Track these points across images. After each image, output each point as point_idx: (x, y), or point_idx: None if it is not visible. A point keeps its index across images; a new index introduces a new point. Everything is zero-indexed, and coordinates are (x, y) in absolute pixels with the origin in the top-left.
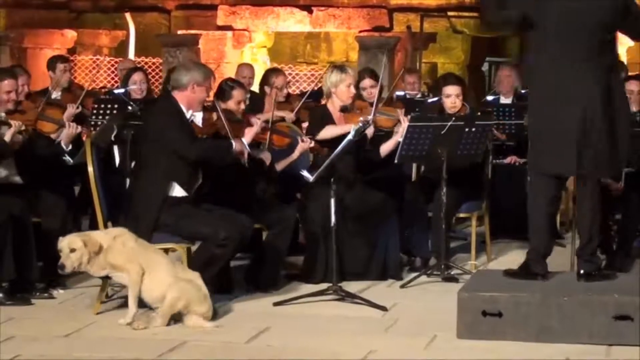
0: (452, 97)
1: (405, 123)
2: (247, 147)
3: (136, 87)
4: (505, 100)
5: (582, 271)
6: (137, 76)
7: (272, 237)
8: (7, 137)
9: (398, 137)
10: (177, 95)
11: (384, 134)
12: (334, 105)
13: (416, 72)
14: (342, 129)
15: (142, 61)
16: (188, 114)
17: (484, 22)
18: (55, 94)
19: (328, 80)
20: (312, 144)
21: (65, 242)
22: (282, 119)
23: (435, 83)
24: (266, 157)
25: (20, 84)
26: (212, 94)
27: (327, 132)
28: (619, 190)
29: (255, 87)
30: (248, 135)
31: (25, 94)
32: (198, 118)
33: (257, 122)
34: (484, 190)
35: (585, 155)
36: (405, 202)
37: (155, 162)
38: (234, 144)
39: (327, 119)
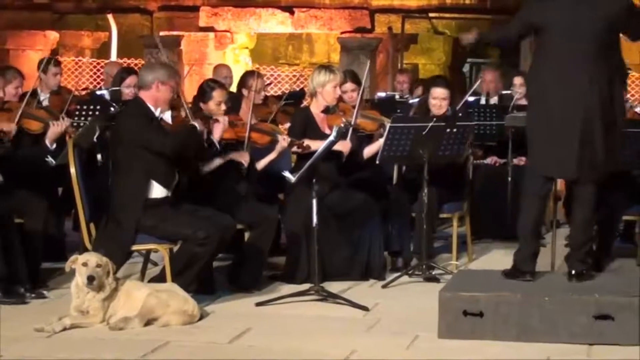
0: (438, 100)
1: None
2: (218, 144)
3: (130, 90)
4: (491, 101)
5: (573, 271)
6: (130, 79)
7: (254, 237)
8: None
9: (382, 140)
10: (144, 95)
11: (365, 136)
12: (317, 106)
13: (407, 72)
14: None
15: (124, 62)
16: (157, 112)
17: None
18: (43, 96)
19: (315, 80)
20: (295, 141)
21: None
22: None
23: (421, 83)
24: (244, 158)
25: (14, 87)
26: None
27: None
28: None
29: (233, 88)
30: (216, 131)
31: (19, 96)
32: (167, 116)
33: (223, 118)
34: (465, 191)
35: (584, 159)
36: (389, 202)
37: (131, 165)
38: (196, 124)
39: (309, 122)
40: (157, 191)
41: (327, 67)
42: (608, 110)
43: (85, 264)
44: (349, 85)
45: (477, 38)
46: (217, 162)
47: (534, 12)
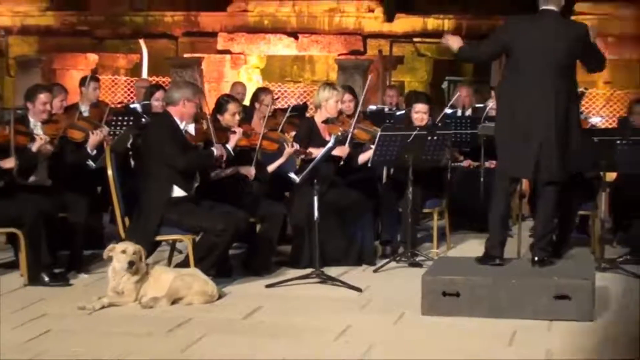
0: (420, 114)
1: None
2: (232, 151)
3: (158, 103)
4: (466, 113)
5: (536, 258)
6: (159, 94)
7: (265, 229)
8: (34, 148)
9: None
10: (171, 110)
11: (361, 144)
12: (320, 116)
13: (396, 88)
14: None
15: (154, 80)
16: (182, 126)
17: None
18: (84, 108)
19: (320, 94)
20: (299, 149)
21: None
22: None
23: (406, 98)
24: (249, 172)
25: (59, 100)
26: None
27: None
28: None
29: (246, 102)
30: (232, 141)
31: (64, 109)
32: (191, 128)
33: (239, 130)
34: (445, 190)
35: (542, 162)
36: (380, 199)
37: (156, 170)
38: (215, 150)
39: (312, 130)
40: (179, 191)
41: (331, 85)
42: (564, 122)
43: (124, 252)
44: (347, 97)
45: (456, 51)
46: (225, 172)
47: (506, 33)
